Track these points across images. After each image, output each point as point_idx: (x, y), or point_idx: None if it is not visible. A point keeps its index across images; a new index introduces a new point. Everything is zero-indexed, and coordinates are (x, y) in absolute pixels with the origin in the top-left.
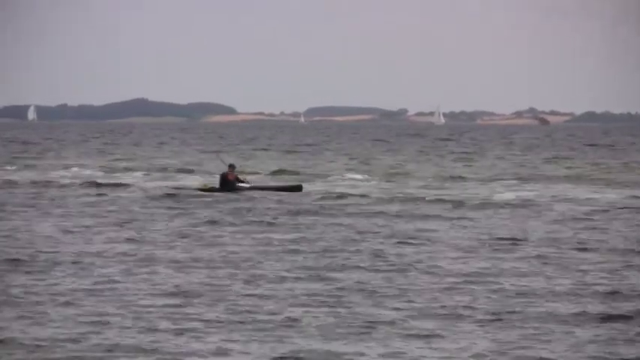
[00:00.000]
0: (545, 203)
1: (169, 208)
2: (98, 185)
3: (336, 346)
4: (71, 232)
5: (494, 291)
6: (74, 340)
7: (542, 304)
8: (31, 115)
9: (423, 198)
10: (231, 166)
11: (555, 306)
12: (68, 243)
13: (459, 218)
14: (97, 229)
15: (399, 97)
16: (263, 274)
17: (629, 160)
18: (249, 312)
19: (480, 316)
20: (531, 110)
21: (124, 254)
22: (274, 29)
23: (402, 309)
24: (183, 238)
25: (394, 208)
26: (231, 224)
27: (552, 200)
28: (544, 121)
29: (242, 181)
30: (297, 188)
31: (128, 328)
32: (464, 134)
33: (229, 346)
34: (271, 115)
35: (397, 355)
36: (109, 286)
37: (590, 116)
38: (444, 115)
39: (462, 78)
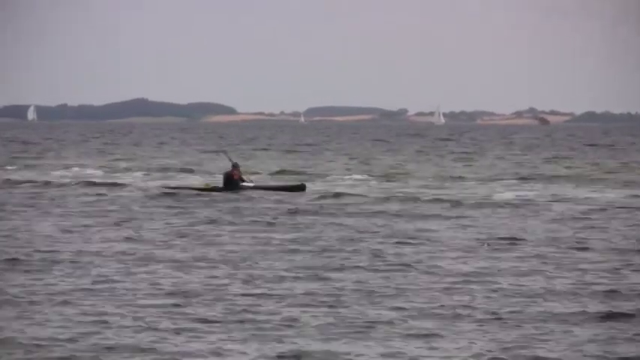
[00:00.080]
0: (545, 203)
1: (169, 207)
2: (97, 185)
3: (335, 346)
4: (70, 231)
5: (494, 290)
6: (73, 340)
7: (541, 304)
8: (31, 115)
9: (423, 198)
10: (235, 166)
11: (555, 305)
12: (67, 242)
13: (458, 218)
14: (96, 229)
15: (399, 97)
16: (262, 273)
17: (628, 160)
18: (248, 312)
19: (480, 316)
20: (531, 110)
21: (123, 253)
22: (274, 29)
23: (401, 309)
24: (182, 237)
25: (394, 207)
26: (231, 223)
27: (552, 200)
28: (544, 121)
29: (245, 181)
30: (301, 188)
31: (127, 327)
32: (464, 134)
33: (228, 345)
34: (271, 115)
35: (396, 355)
36: (107, 285)
37: (590, 116)
38: (444, 115)
39: (462, 78)
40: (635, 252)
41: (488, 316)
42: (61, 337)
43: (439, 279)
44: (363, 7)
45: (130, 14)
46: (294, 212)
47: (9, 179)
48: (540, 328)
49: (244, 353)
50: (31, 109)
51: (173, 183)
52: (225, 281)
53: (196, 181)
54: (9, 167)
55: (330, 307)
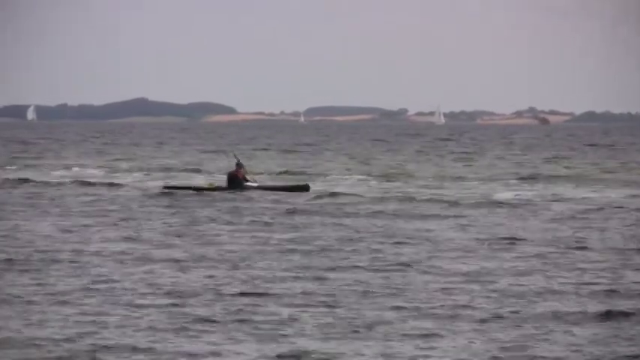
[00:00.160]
0: (545, 203)
1: (168, 207)
2: (97, 185)
3: (334, 346)
4: (69, 231)
5: (493, 290)
6: (72, 340)
7: (540, 304)
8: (31, 114)
9: (422, 198)
10: (239, 165)
11: (554, 305)
12: (66, 242)
13: (457, 218)
14: (95, 229)
15: (399, 97)
16: (261, 273)
17: (628, 160)
18: (247, 311)
19: (479, 316)
20: (531, 110)
21: (122, 253)
22: (274, 29)
23: (400, 308)
24: (181, 237)
25: (393, 207)
26: (230, 223)
27: (551, 200)
28: (544, 121)
29: (248, 181)
30: (305, 188)
31: (126, 327)
32: (464, 134)
33: (227, 345)
34: (271, 114)
35: (395, 355)
36: (106, 285)
37: (590, 116)
38: (444, 115)
39: (462, 78)
40: (635, 252)
41: (488, 316)
42: (59, 336)
43: (438, 279)
44: (363, 7)
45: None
46: (293, 212)
47: (8, 179)
48: (539, 327)
49: (243, 353)
50: (31, 109)
51: (177, 183)
52: (225, 281)
53: (201, 180)
54: (8, 167)
55: (330, 307)
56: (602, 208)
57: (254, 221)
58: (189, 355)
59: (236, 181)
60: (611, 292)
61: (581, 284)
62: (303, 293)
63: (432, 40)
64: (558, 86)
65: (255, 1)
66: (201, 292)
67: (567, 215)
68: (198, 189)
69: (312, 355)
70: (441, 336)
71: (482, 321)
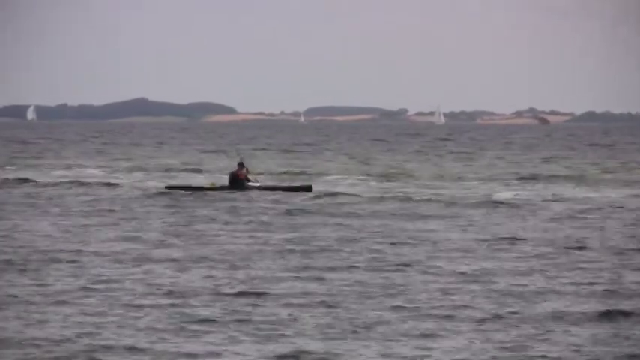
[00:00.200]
0: (544, 203)
1: (167, 207)
2: (96, 185)
3: (334, 346)
4: (69, 231)
5: (493, 290)
6: (71, 340)
7: (540, 303)
8: (31, 114)
9: (422, 198)
10: (241, 165)
11: (554, 305)
12: (66, 242)
13: (458, 218)
14: (94, 229)
15: (399, 97)
16: (261, 273)
17: (628, 160)
18: (246, 311)
19: (479, 315)
20: (531, 110)
21: (122, 253)
22: (274, 29)
23: (400, 308)
24: (180, 237)
25: (392, 207)
26: (230, 223)
27: (551, 200)
28: (544, 121)
29: (250, 181)
30: (307, 189)
31: (125, 327)
32: (463, 134)
33: (226, 345)
34: (271, 114)
35: (395, 355)
36: (106, 285)
37: (590, 116)
38: (444, 115)
39: (462, 78)
40: (634, 252)
41: (488, 316)
42: (59, 336)
43: (438, 279)
44: (363, 7)
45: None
46: (292, 212)
47: (8, 179)
48: (539, 327)
49: (243, 353)
50: (31, 109)
51: (179, 183)
52: (224, 281)
53: (203, 180)
54: (8, 167)
55: (329, 306)
56: (601, 208)
57: (254, 221)
58: (189, 355)
59: (238, 181)
60: (610, 292)
61: (580, 284)
62: (303, 293)
63: (432, 40)
64: (558, 86)
65: (255, 1)
66: (201, 292)
67: (567, 215)
68: (200, 189)
69: (312, 355)
70: (441, 336)
71: (482, 321)
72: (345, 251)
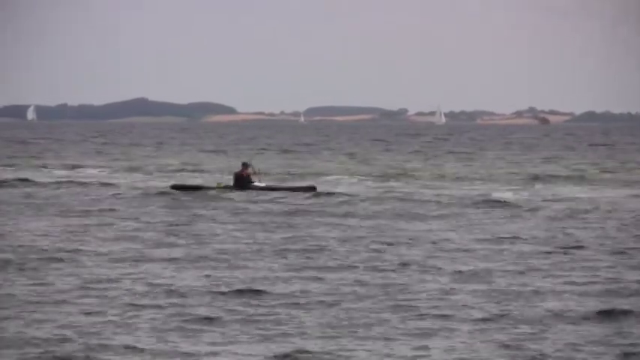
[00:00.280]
0: (544, 203)
1: (167, 207)
2: (96, 185)
3: (334, 346)
4: (68, 231)
5: (492, 290)
6: (70, 340)
7: (540, 303)
8: (31, 114)
9: (421, 197)
10: (245, 165)
11: (553, 304)
12: (65, 242)
13: (457, 218)
14: (94, 228)
15: (399, 96)
16: (260, 273)
17: (628, 160)
18: (246, 311)
19: (479, 315)
20: (531, 110)
21: (121, 252)
22: (274, 29)
23: (399, 308)
24: (180, 236)
25: (391, 207)
26: (230, 223)
27: (551, 200)
28: (544, 121)
29: (254, 181)
30: (311, 189)
31: (124, 326)
32: (463, 134)
33: (226, 345)
34: (271, 114)
35: (395, 355)
36: (105, 284)
37: (590, 116)
38: (444, 115)
39: (462, 78)
40: (634, 251)
41: (487, 316)
42: (57, 336)
43: (438, 279)
44: (363, 7)
45: (130, 14)
46: (292, 212)
47: (7, 179)
48: (538, 326)
49: (242, 352)
50: (31, 109)
51: (185, 182)
52: (224, 281)
53: (208, 180)
54: (7, 167)
55: (329, 306)
56: (601, 208)
57: (253, 221)
58: (188, 354)
59: (242, 181)
60: (610, 291)
61: (580, 283)
62: (303, 293)
63: (432, 40)
64: (558, 86)
65: (255, 1)
66: (200, 291)
67: (566, 215)
68: (207, 188)
69: (311, 355)
70: (441, 335)
71: (482, 320)
72: (344, 251)
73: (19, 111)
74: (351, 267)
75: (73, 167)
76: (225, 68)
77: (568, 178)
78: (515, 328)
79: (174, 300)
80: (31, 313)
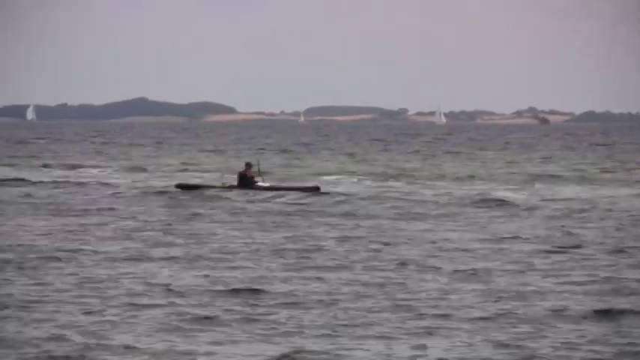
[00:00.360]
0: (544, 202)
1: (167, 206)
2: (95, 184)
3: (334, 346)
4: (67, 230)
5: (492, 290)
6: (68, 339)
7: (540, 303)
8: (30, 114)
9: (421, 197)
10: (248, 165)
11: (552, 303)
12: (64, 241)
13: (457, 218)
14: (93, 228)
15: (399, 96)
16: (260, 273)
17: (628, 159)
18: (246, 311)
19: (478, 315)
20: (531, 110)
21: (120, 252)
22: (274, 29)
23: (399, 308)
24: (179, 236)
25: (392, 207)
26: (228, 222)
27: (550, 199)
28: (544, 121)
29: (258, 181)
30: (315, 189)
31: (123, 326)
32: (463, 134)
33: (226, 345)
34: (271, 114)
35: (394, 354)
36: (104, 284)
37: (590, 116)
38: (445, 114)
39: (462, 78)
40: (633, 251)
41: (487, 315)
42: (56, 335)
43: (437, 278)
44: (363, 7)
45: (130, 14)
46: (292, 212)
47: (5, 179)
48: (538, 326)
49: (242, 353)
50: (30, 108)
51: (184, 182)
52: (223, 280)
53: (212, 179)
54: (5, 167)
55: (329, 306)
56: (601, 208)
57: (252, 220)
58: (187, 353)
59: (246, 181)
60: (609, 291)
61: (579, 283)
62: (302, 292)
63: (432, 40)
64: (558, 86)
65: (255, 1)
66: (200, 291)
67: (566, 215)
68: (211, 187)
69: (311, 354)
70: (440, 335)
71: (481, 319)
72: (343, 250)
73: (18, 111)
74: (350, 266)
75: (73, 167)
76: (225, 68)
77: (567, 178)
78: (515, 327)
79: (173, 299)
80: (30, 313)
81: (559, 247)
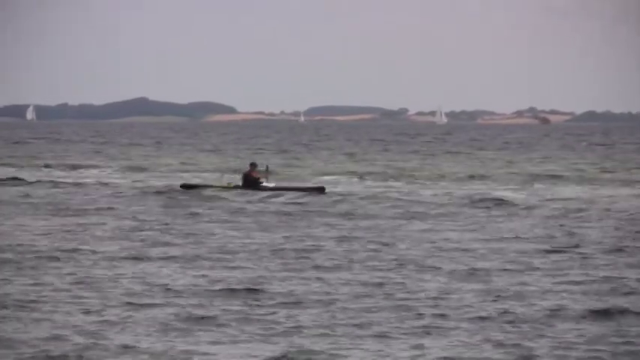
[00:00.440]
0: (543, 202)
1: (166, 206)
2: (94, 184)
3: (333, 346)
4: (66, 230)
5: (492, 289)
6: (67, 339)
7: (538, 301)
8: (30, 114)
9: (419, 197)
10: (253, 165)
11: (552, 303)
12: (62, 241)
13: (456, 217)
14: (90, 227)
15: (399, 96)
16: (259, 273)
17: (628, 159)
18: (243, 310)
19: (477, 314)
20: (532, 110)
21: (119, 252)
22: (274, 29)
23: (398, 307)
24: (179, 236)
25: (391, 207)
26: (227, 222)
27: (550, 199)
28: (545, 121)
29: (262, 182)
30: (320, 190)
31: (122, 326)
32: (463, 133)
33: (224, 344)
34: (271, 114)
35: (393, 354)
36: (102, 284)
37: (590, 116)
38: (445, 114)
39: (462, 78)
40: (632, 250)
41: (485, 314)
42: (55, 335)
43: (437, 278)
44: (363, 7)
45: (130, 14)
46: (291, 212)
47: (3, 178)
48: (536, 325)
49: (240, 352)
50: (30, 108)
51: (192, 182)
52: (222, 280)
53: (213, 180)
54: (4, 167)
55: (327, 305)
56: (600, 208)
57: (252, 221)
58: (187, 353)
59: (250, 181)
60: (608, 290)
61: (578, 282)
62: (301, 292)
63: (432, 40)
64: (558, 86)
65: (255, 1)
66: (198, 290)
67: (565, 214)
68: (216, 188)
69: (309, 354)
70: (439, 334)
71: (480, 319)
72: (343, 250)
73: (18, 111)
74: (350, 266)
75: (72, 167)
76: (225, 68)
77: (568, 178)
78: (513, 326)
79: (172, 299)
80: (29, 313)
81: (558, 247)
